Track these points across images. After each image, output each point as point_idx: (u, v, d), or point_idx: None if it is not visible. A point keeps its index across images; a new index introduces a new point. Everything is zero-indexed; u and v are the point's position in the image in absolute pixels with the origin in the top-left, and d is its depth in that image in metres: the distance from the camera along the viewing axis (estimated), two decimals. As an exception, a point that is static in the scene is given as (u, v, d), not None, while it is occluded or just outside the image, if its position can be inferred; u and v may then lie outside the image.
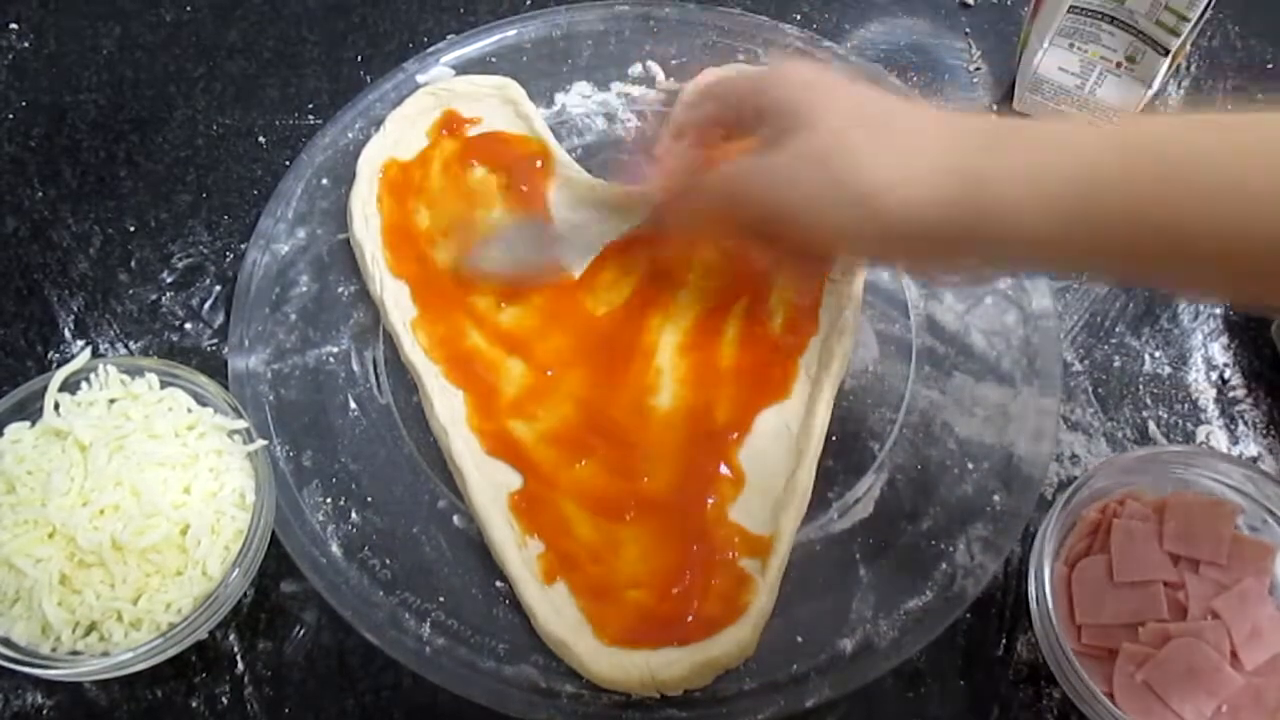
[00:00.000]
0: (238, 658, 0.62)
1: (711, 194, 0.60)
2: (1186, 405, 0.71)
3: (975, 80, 0.85)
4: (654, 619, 0.60)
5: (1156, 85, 0.75)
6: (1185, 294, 0.71)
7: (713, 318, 0.70)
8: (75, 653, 0.57)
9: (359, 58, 0.85)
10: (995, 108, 0.84)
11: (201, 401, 0.64)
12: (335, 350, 0.71)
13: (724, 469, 0.65)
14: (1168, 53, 0.72)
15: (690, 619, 0.60)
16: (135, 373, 0.64)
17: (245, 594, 0.62)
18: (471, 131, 0.78)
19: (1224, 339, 0.74)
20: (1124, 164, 0.46)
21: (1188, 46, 0.74)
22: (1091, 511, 0.63)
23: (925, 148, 0.51)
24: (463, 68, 0.81)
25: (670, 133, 0.67)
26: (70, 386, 0.63)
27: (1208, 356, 0.73)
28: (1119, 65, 0.75)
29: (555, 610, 0.60)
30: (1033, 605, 0.60)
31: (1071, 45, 0.76)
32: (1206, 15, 0.70)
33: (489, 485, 0.64)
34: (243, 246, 0.74)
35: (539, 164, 0.76)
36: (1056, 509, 0.60)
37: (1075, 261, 0.54)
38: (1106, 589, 0.60)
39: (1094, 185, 0.46)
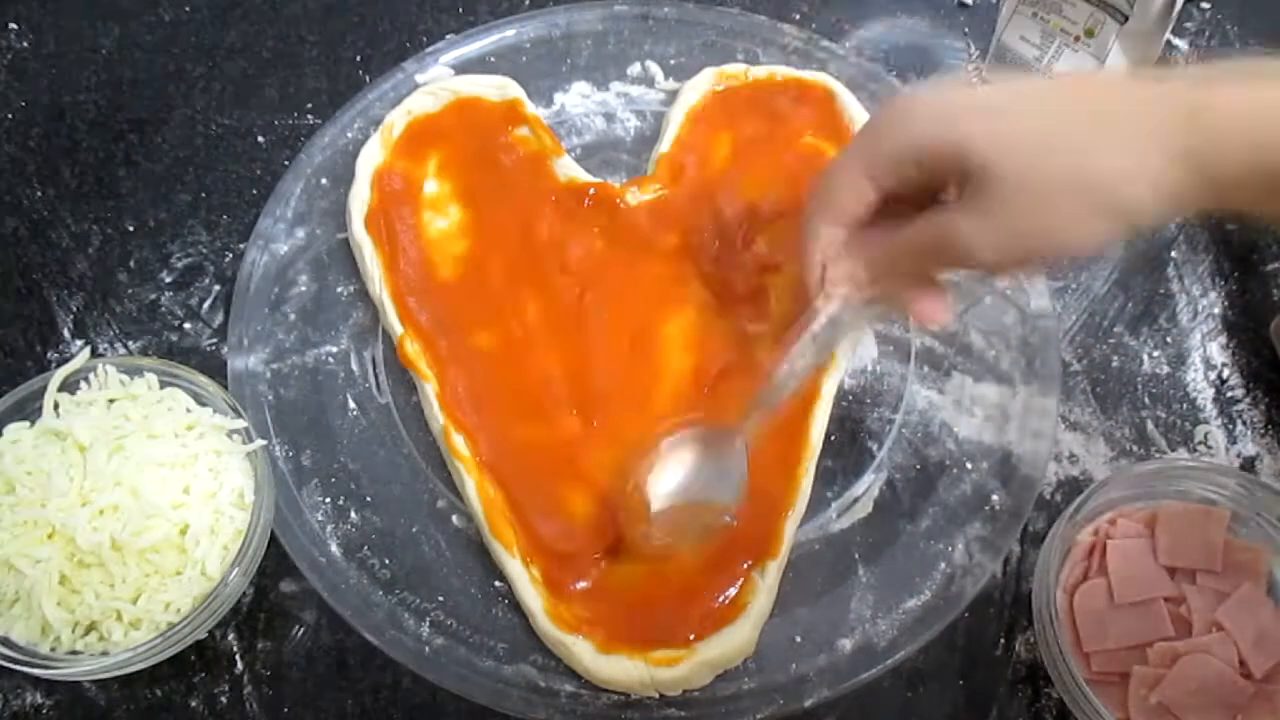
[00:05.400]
0: (237, 657, 0.62)
1: (922, 253, 0.54)
2: (1185, 405, 0.71)
3: (974, 80, 0.85)
4: (652, 618, 0.60)
5: (1108, 60, 0.74)
6: None
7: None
8: (75, 652, 0.57)
9: (358, 58, 0.85)
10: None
11: (200, 401, 0.64)
12: (334, 350, 0.71)
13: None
14: (1125, 19, 0.71)
15: (688, 617, 0.60)
16: (134, 372, 0.64)
17: (244, 594, 0.62)
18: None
19: (1222, 339, 0.74)
20: None
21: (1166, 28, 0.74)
22: (1085, 535, 0.63)
23: (1145, 130, 0.49)
24: (462, 67, 0.81)
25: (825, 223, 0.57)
26: (69, 386, 0.63)
27: (1206, 356, 0.73)
28: (1077, 39, 0.75)
29: (554, 610, 0.60)
30: (1044, 644, 0.59)
31: (1035, 14, 0.75)
32: None
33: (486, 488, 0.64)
34: (242, 246, 0.74)
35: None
36: (1059, 527, 0.60)
37: None
38: (1109, 612, 0.60)
39: None
